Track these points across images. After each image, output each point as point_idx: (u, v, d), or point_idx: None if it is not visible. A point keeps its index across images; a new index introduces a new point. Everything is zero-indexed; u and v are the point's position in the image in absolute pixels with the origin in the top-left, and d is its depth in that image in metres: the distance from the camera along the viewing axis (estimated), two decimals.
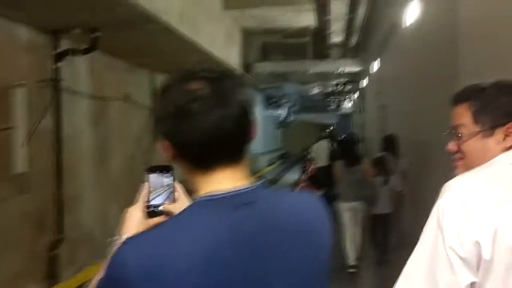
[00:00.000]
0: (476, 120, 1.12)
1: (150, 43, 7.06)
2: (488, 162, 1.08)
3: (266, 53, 12.77)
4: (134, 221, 0.91)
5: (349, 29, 9.48)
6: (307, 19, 9.80)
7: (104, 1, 4.61)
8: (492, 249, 0.95)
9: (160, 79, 10.51)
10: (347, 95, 15.56)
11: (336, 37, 10.26)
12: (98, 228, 7.50)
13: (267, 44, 12.70)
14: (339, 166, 5.23)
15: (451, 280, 0.96)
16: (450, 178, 1.08)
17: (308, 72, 10.70)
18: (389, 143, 5.60)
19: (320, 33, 10.96)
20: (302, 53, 11.41)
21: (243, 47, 10.80)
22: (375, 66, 8.13)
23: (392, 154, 5.45)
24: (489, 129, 1.10)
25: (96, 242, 7.48)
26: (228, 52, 9.30)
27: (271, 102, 28.84)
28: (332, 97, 16.79)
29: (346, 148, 5.43)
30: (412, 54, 5.36)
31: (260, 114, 28.91)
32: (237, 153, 0.87)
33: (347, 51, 11.50)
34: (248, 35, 11.26)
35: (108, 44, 7.14)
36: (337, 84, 14.88)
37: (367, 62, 9.57)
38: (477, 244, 0.95)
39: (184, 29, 6.39)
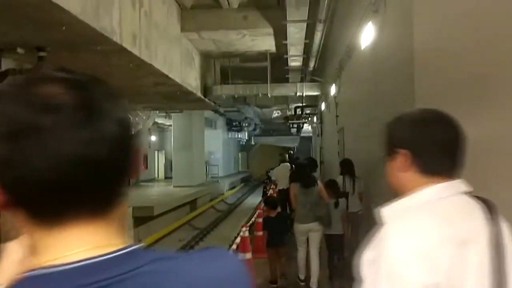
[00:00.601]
0: None
1: (103, 64, 6.79)
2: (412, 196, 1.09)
3: (226, 76, 12.73)
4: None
5: (307, 54, 9.60)
6: (265, 43, 9.84)
7: (47, 19, 4.35)
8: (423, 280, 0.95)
9: None
10: (306, 119, 15.74)
11: (295, 62, 10.36)
12: None
13: (227, 68, 12.69)
14: (294, 188, 5.35)
15: None
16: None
17: (267, 96, 10.70)
18: (346, 166, 5.87)
19: (279, 57, 11.07)
20: (261, 77, 11.45)
21: (202, 70, 10.68)
22: (333, 89, 8.22)
23: (350, 177, 5.74)
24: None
25: None
26: (186, 75, 9.14)
27: (232, 125, 28.85)
28: (292, 120, 16.96)
29: (301, 171, 5.58)
30: (367, 77, 5.40)
31: (221, 137, 28.81)
32: (108, 197, 0.57)
33: (306, 75, 11.65)
34: (207, 58, 11.18)
35: (56, 65, 6.78)
36: (296, 108, 15.03)
37: (325, 86, 9.69)
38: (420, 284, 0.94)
39: (137, 51, 6.17)
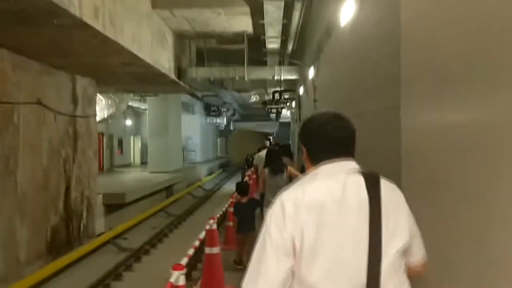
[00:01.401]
0: None
1: (63, 40, 6.28)
2: (309, 175, 1.47)
3: (202, 59, 12.26)
4: None
5: (285, 35, 9.23)
6: (242, 23, 9.43)
7: None
8: (300, 241, 1.28)
9: (83, 82, 9.62)
10: (285, 104, 15.45)
11: (273, 44, 9.98)
12: (2, 252, 6.49)
13: (203, 50, 12.21)
14: (264, 173, 5.42)
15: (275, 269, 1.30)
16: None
17: (244, 79, 10.31)
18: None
19: (256, 39, 10.66)
20: (239, 60, 11.02)
21: (176, 51, 10.20)
22: (311, 73, 7.92)
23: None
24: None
25: None
26: (158, 55, 8.66)
27: (211, 110, 28.34)
28: (270, 105, 16.61)
29: (272, 157, 5.64)
30: (347, 57, 5.10)
31: (199, 122, 28.29)
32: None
33: (284, 58, 11.29)
34: (181, 39, 10.68)
35: (12, 40, 6.26)
36: (274, 93, 14.68)
37: (304, 69, 9.37)
38: (291, 237, 1.29)
39: (100, 26, 5.69)
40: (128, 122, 23.76)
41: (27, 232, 7.27)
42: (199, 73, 10.34)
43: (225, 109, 27.97)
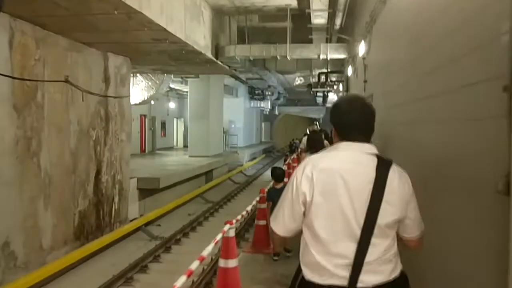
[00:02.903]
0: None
1: (84, 12, 5.71)
2: (331, 147, 1.84)
3: (243, 38, 11.46)
4: None
5: (333, 8, 8.21)
6: None
7: None
8: (316, 192, 1.66)
9: (116, 61, 9.15)
10: (331, 87, 14.37)
11: (319, 19, 8.99)
12: (18, 238, 6.14)
13: (244, 28, 11.39)
14: (302, 157, 5.28)
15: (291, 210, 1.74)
16: None
17: (287, 58, 9.40)
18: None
19: (301, 15, 9.69)
20: (283, 40, 10.08)
21: (213, 28, 9.46)
22: (361, 49, 6.93)
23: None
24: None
25: (14, 255, 6.10)
26: (191, 31, 7.96)
27: (255, 94, 27.58)
28: (315, 88, 15.57)
29: (313, 141, 5.51)
30: (406, 28, 4.12)
31: (243, 106, 27.65)
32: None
33: (332, 35, 10.24)
34: (220, 15, 9.93)
35: (29, 11, 5.72)
36: (320, 74, 13.63)
37: (353, 46, 8.35)
38: (304, 193, 1.69)
39: None
40: (172, 105, 23.56)
41: (52, 217, 6.93)
42: (237, 51, 9.55)
43: (269, 93, 27.11)
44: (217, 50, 9.69)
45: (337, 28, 8.79)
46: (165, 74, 14.33)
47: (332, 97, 22.11)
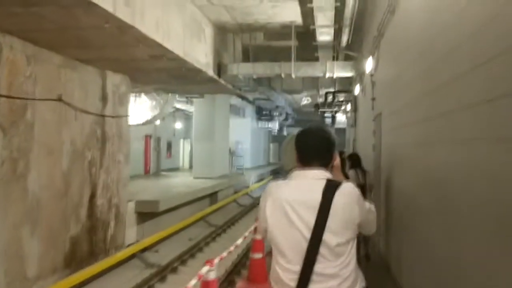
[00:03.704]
0: None
1: (72, 25, 5.41)
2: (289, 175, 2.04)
3: (248, 57, 11.17)
4: None
5: (338, 24, 7.86)
6: (288, 11, 8.20)
7: None
8: (269, 219, 1.91)
9: (114, 79, 8.87)
10: (339, 107, 13.93)
11: (324, 36, 8.65)
12: (4, 265, 5.73)
13: (249, 47, 11.11)
14: None
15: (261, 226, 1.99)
16: None
17: (292, 76, 9.04)
18: (356, 160, 6.25)
19: (306, 32, 9.38)
20: (289, 58, 9.75)
21: (215, 45, 9.18)
22: (369, 65, 6.53)
23: (360, 170, 6.10)
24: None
25: None
26: (191, 48, 7.66)
27: (262, 114, 27.28)
28: (322, 108, 15.15)
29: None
30: (416, 39, 3.71)
31: (250, 127, 27.34)
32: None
33: (338, 53, 9.88)
34: (222, 32, 9.66)
35: (16, 26, 5.43)
36: (327, 93, 13.23)
37: (361, 63, 7.97)
38: (264, 218, 1.94)
39: (110, 6, 4.73)
40: (178, 125, 23.32)
41: (40, 244, 6.50)
42: (240, 69, 9.22)
43: (277, 113, 26.79)
44: (220, 68, 9.37)
45: (343, 45, 8.44)
46: (170, 94, 14.08)
47: (341, 118, 21.69)
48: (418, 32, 3.78)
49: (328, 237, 1.76)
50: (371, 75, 6.69)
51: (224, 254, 3.90)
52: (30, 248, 6.27)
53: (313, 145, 1.98)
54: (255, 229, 4.73)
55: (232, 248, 4.04)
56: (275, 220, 1.87)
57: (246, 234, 4.90)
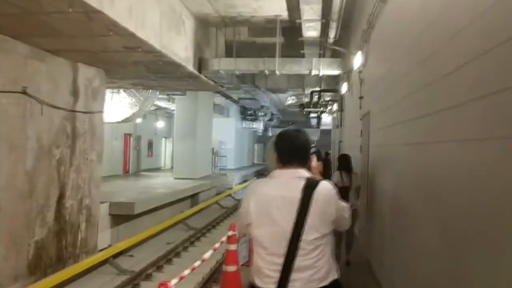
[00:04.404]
0: None
1: (36, 11, 4.90)
2: (269, 174, 2.19)
3: (231, 53, 10.72)
4: None
5: (326, 18, 7.49)
6: (273, 4, 7.79)
7: None
8: (253, 215, 2.03)
9: (87, 72, 8.32)
10: (325, 107, 13.61)
11: (311, 31, 8.27)
12: None
13: (233, 43, 10.67)
14: None
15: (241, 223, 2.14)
16: None
17: (276, 72, 8.63)
18: (344, 162, 6.05)
19: (292, 28, 8.99)
20: (274, 55, 9.34)
21: (196, 39, 8.71)
22: (357, 61, 6.17)
23: (346, 172, 5.93)
24: None
25: None
26: (169, 41, 7.19)
27: (247, 114, 26.85)
28: (308, 108, 14.81)
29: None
30: (410, 28, 3.33)
31: (234, 127, 26.87)
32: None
33: (325, 51, 9.52)
34: (205, 26, 9.20)
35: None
36: (313, 93, 12.88)
37: (348, 61, 7.62)
38: (246, 214, 2.06)
39: None
40: (160, 124, 22.72)
41: None
42: (222, 64, 8.76)
43: (262, 113, 26.40)
44: (201, 63, 8.91)
45: (330, 42, 8.06)
46: (150, 91, 13.55)
47: (327, 119, 21.40)
48: (411, 22, 3.41)
49: (307, 231, 1.89)
50: (359, 72, 6.34)
51: (186, 272, 3.44)
52: None
53: (292, 146, 2.12)
54: (229, 238, 4.22)
55: (196, 264, 3.54)
56: (259, 215, 1.99)
57: (217, 245, 4.36)
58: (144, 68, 8.16)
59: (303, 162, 2.10)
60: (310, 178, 2.01)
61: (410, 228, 3.39)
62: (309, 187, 1.95)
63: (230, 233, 4.14)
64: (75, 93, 7.85)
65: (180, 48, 7.78)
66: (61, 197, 7.45)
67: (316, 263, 1.92)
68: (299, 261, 1.90)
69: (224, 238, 3.96)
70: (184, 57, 8.00)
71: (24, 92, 6.43)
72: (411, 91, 3.41)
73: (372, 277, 5.35)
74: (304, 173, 2.05)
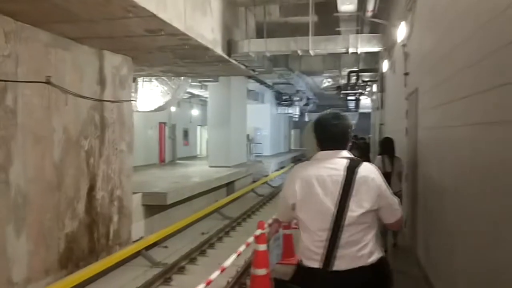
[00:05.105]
0: None
1: None
2: (313, 156, 2.23)
3: (262, 35, 10.18)
4: None
5: None
6: None
7: None
8: (298, 195, 2.11)
9: (114, 60, 8.08)
10: (364, 88, 12.80)
11: (347, 4, 7.59)
12: None
13: (263, 24, 10.11)
14: None
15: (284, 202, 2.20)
16: None
17: (309, 52, 8.02)
18: (386, 146, 5.86)
19: (325, 4, 8.32)
20: (306, 34, 8.70)
21: (224, 20, 8.24)
22: (401, 33, 5.51)
23: (389, 157, 5.71)
24: None
25: None
26: (195, 22, 6.77)
27: (282, 99, 26.23)
28: (345, 90, 14.02)
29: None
30: None
31: (269, 113, 26.34)
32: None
33: (363, 26, 8.79)
34: (233, 6, 8.70)
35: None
36: (350, 73, 12.11)
37: (390, 34, 6.90)
38: (290, 195, 2.15)
39: None
40: (195, 112, 22.59)
41: (28, 243, 5.82)
42: (252, 46, 8.25)
43: (298, 98, 25.70)
44: (230, 46, 8.44)
45: (369, 15, 7.36)
46: (182, 78, 13.28)
47: (365, 102, 20.45)
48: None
49: (352, 208, 1.97)
50: (403, 46, 5.67)
51: (214, 275, 3.00)
52: (15, 249, 5.59)
53: (331, 131, 2.17)
54: (257, 238, 3.73)
55: (228, 262, 3.09)
56: (304, 195, 2.07)
57: (242, 248, 3.81)
58: (171, 53, 7.80)
59: (344, 145, 2.17)
60: (352, 158, 2.12)
61: (467, 224, 2.83)
62: (352, 166, 2.05)
63: (258, 232, 3.66)
64: (102, 82, 7.62)
65: (206, 30, 7.35)
66: (91, 189, 7.29)
67: (361, 239, 1.98)
68: (344, 238, 1.95)
69: (251, 239, 3.45)
70: (211, 40, 7.56)
71: (48, 82, 6.22)
72: (472, 61, 2.80)
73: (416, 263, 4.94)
74: (346, 153, 2.15)
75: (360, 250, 1.96)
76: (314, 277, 1.98)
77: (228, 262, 3.23)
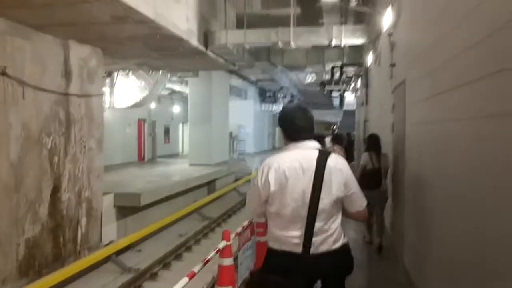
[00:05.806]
0: None
1: None
2: (283, 148, 2.32)
3: (242, 27, 9.72)
4: None
5: None
6: None
7: None
8: (272, 186, 2.15)
9: (82, 51, 7.51)
10: (347, 84, 12.47)
11: None
12: None
13: (243, 16, 9.66)
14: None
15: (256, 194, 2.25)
16: None
17: (291, 44, 7.59)
18: (372, 142, 5.81)
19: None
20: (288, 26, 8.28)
21: (200, 10, 7.75)
22: (387, 20, 5.14)
23: (375, 153, 5.68)
24: None
25: None
26: (166, 9, 6.26)
27: (266, 96, 25.81)
28: (329, 86, 13.67)
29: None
30: None
31: (253, 109, 25.87)
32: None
33: (347, 18, 8.40)
34: None
35: None
36: (333, 68, 11.76)
37: (375, 25, 6.53)
38: (264, 187, 2.18)
39: None
40: (176, 109, 21.99)
41: None
42: (230, 37, 7.78)
43: (282, 95, 25.32)
44: (207, 38, 7.96)
45: (353, 4, 6.96)
46: (160, 73, 12.73)
47: (350, 99, 20.15)
48: None
49: (323, 196, 2.12)
50: (389, 35, 5.29)
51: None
52: None
53: (297, 123, 2.28)
54: (221, 252, 3.20)
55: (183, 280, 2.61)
56: (278, 186, 2.15)
57: (211, 256, 3.21)
58: (142, 44, 7.29)
59: (310, 134, 2.28)
60: (322, 149, 2.23)
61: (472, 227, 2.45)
62: (323, 157, 2.17)
63: (222, 244, 3.16)
64: (67, 74, 7.07)
65: (180, 18, 6.85)
66: (55, 190, 6.75)
67: (330, 226, 2.15)
68: (318, 225, 2.10)
69: (212, 254, 2.95)
70: (185, 30, 7.07)
71: (3, 73, 5.67)
72: (467, 46, 2.41)
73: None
74: (315, 144, 2.27)
75: (330, 237, 2.14)
76: (293, 260, 2.10)
77: (197, 268, 2.78)
